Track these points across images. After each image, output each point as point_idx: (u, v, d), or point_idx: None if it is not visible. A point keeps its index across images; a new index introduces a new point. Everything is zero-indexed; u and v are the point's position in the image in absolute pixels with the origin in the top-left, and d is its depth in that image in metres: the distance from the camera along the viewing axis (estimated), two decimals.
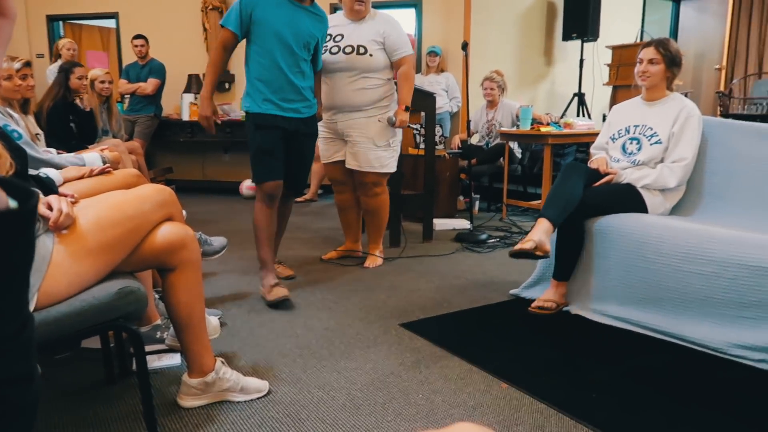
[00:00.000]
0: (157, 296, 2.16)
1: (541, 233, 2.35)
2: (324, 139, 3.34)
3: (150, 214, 1.56)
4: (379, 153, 3.20)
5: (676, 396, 1.80)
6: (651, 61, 2.59)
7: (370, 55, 3.10)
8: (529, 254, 2.32)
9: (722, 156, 2.61)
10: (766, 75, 7.62)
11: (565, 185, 2.48)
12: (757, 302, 2.01)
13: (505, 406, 1.74)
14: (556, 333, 2.34)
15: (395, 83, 3.29)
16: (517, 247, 2.32)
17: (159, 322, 2.07)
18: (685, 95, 7.26)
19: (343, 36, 3.12)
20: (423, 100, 3.71)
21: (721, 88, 7.34)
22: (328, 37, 3.09)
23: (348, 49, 3.09)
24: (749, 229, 2.30)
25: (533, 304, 2.54)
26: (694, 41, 7.80)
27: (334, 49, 3.11)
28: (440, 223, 4.46)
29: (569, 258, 2.54)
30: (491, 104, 5.25)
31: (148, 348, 1.93)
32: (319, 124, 3.22)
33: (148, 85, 5.79)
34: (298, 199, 5.72)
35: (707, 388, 1.87)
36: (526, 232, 4.19)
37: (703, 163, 2.64)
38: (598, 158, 2.70)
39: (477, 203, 5.18)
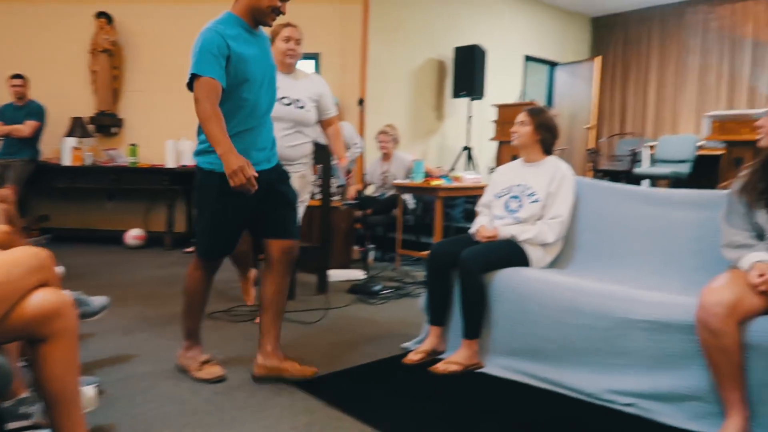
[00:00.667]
0: (23, 365, 1.97)
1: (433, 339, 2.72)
2: None
3: (21, 281, 1.45)
4: (298, 209, 3.19)
5: None
6: (522, 123, 2.84)
7: (308, 111, 3.17)
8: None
9: (593, 214, 2.85)
10: (627, 135, 8.49)
11: (433, 287, 2.74)
12: (625, 351, 2.19)
13: None
14: (449, 387, 2.39)
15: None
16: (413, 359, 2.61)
17: (25, 395, 1.88)
18: (561, 151, 7.84)
19: (278, 87, 3.12)
20: (319, 152, 3.76)
21: (591, 146, 8.08)
22: None
23: (286, 101, 3.11)
24: (617, 281, 2.51)
25: (439, 367, 2.53)
26: (567, 102, 8.56)
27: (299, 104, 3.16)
28: (335, 275, 4.46)
29: (441, 306, 2.72)
30: (386, 156, 5.42)
31: (10, 426, 1.74)
32: None
33: (26, 128, 5.40)
34: (188, 249, 5.50)
35: None
36: (419, 282, 4.33)
37: (577, 219, 2.87)
38: (477, 228, 2.85)
39: (372, 253, 5.25)
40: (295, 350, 2.78)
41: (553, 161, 2.86)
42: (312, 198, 4.56)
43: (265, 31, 2.36)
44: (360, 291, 4.02)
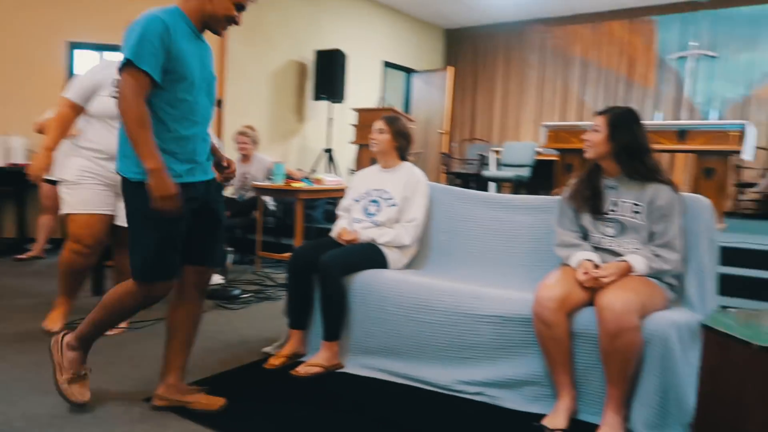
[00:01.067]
0: None
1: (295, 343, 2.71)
2: (94, 187, 2.92)
3: None
4: None
5: None
6: (380, 131, 2.94)
7: None
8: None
9: (446, 217, 3.03)
10: (477, 140, 9.09)
11: (294, 290, 2.73)
12: (473, 344, 2.36)
13: None
14: (311, 389, 2.40)
15: None
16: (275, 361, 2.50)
17: None
18: (417, 154, 8.16)
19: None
20: None
21: (445, 150, 8.55)
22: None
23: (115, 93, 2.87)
24: (467, 280, 2.70)
25: (300, 370, 2.54)
26: (423, 108, 8.97)
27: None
28: None
29: (302, 309, 2.73)
30: (245, 158, 5.29)
31: None
32: (91, 171, 2.90)
33: None
34: (20, 256, 4.95)
35: (442, 425, 2.11)
36: (280, 285, 4.29)
37: (431, 222, 3.03)
38: (337, 230, 2.91)
39: (230, 256, 5.11)
40: (147, 363, 2.63)
41: (408, 167, 2.99)
42: None
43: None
44: (218, 296, 3.89)
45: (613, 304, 1.95)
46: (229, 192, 5.39)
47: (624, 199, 2.25)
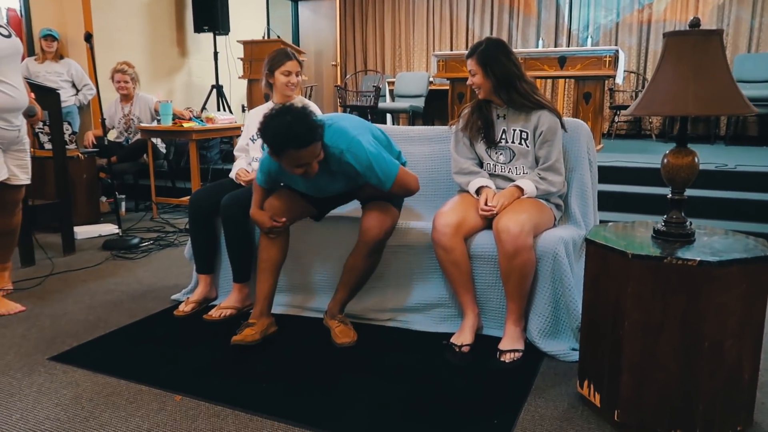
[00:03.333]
0: None
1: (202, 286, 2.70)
2: None
3: None
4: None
5: (328, 364, 2.08)
6: (297, 74, 2.76)
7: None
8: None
9: None
10: (370, 72, 9.03)
11: (197, 236, 2.69)
12: (380, 275, 2.46)
13: (182, 418, 1.75)
14: (225, 332, 2.39)
15: None
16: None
17: None
18: (311, 89, 7.98)
19: None
20: (44, 98, 3.27)
21: (338, 82, 8.43)
22: None
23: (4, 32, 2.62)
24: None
25: (213, 314, 2.54)
26: (313, 39, 8.72)
27: (4, 32, 2.61)
28: (83, 231, 4.04)
29: (207, 254, 2.71)
30: (126, 98, 4.94)
31: None
32: None
33: None
34: None
35: (357, 351, 2.21)
36: (181, 230, 4.16)
37: None
38: (236, 172, 2.80)
39: (123, 204, 4.85)
40: (45, 322, 2.50)
41: (304, 102, 2.93)
42: (41, 148, 4.00)
43: None
44: (115, 246, 3.72)
45: (510, 228, 2.10)
46: (112, 136, 5.04)
47: (513, 127, 2.38)
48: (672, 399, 1.59)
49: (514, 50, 2.40)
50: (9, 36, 2.62)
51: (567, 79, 7.42)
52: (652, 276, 1.56)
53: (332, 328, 2.32)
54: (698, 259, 1.52)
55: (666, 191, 1.75)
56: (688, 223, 1.71)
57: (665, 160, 1.69)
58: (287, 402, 1.84)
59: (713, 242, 1.68)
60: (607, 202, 3.93)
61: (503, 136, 2.40)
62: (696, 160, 1.67)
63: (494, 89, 2.33)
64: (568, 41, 7.72)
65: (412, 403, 1.83)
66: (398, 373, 2.03)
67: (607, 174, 4.38)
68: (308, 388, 1.93)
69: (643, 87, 7.27)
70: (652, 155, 5.12)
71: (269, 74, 2.74)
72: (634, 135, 7.46)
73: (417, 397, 1.86)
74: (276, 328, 2.37)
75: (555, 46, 7.68)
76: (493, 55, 2.30)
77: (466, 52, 2.41)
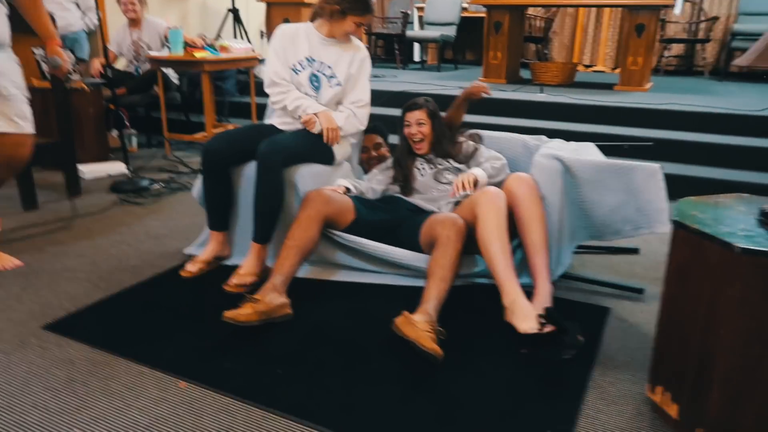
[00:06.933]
0: None
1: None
2: None
3: None
4: (27, 105, 2.44)
5: (361, 349, 1.83)
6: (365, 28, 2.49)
7: None
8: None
9: None
10: None
11: (211, 189, 2.38)
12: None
13: (185, 412, 1.52)
14: (239, 299, 2.15)
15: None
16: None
17: None
18: None
19: None
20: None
21: None
22: None
23: None
24: None
25: (231, 282, 2.21)
26: None
27: None
28: (90, 171, 3.79)
29: (222, 209, 2.43)
30: (134, 23, 4.55)
31: None
32: None
33: None
34: None
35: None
36: (195, 170, 3.88)
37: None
38: (307, 114, 2.42)
39: (135, 139, 4.56)
40: (42, 282, 2.28)
41: (353, 39, 2.52)
42: (43, 78, 3.69)
43: None
44: (124, 189, 3.47)
45: (521, 176, 2.12)
46: (121, 65, 4.69)
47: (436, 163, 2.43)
48: None
49: None
50: None
51: (615, 8, 6.79)
52: (763, 277, 1.24)
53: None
54: None
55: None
56: None
57: None
58: (307, 395, 1.59)
59: None
60: (668, 151, 3.53)
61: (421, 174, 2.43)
62: None
63: (433, 140, 2.43)
64: None
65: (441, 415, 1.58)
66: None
67: (660, 119, 3.95)
68: (333, 378, 1.68)
69: (698, 18, 6.61)
70: (709, 96, 4.65)
71: (340, 12, 2.34)
72: (683, 72, 6.87)
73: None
74: (290, 312, 1.99)
75: None
76: (436, 108, 2.46)
77: None
